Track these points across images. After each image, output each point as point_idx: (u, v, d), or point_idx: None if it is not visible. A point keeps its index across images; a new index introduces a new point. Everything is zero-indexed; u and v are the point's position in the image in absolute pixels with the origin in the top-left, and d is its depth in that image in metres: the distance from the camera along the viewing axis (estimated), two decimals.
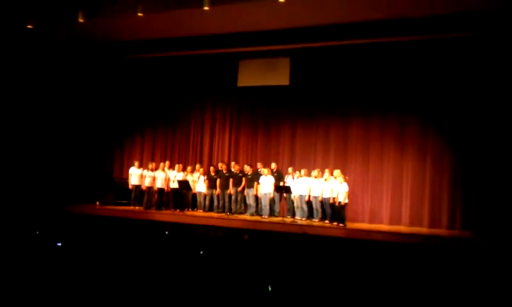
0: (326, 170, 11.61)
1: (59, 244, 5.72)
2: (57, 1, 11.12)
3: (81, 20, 11.00)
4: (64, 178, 14.02)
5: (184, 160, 14.46)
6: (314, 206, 11.62)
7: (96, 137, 14.98)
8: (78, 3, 10.95)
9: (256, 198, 12.31)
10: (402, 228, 11.41)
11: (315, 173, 11.69)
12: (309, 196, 11.64)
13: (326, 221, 11.28)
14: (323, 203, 11.40)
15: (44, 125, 13.95)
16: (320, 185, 11.46)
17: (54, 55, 13.83)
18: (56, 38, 13.21)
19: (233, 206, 12.52)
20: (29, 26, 11.55)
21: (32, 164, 13.53)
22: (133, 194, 12.97)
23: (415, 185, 11.96)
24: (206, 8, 9.96)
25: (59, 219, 9.36)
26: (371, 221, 12.20)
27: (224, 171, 12.74)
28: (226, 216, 11.99)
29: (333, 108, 13.08)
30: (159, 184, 12.84)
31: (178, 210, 12.50)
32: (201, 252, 5.67)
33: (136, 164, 13.20)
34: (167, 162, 13.42)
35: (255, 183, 12.20)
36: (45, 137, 13.92)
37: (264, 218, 11.72)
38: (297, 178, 11.96)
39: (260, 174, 12.18)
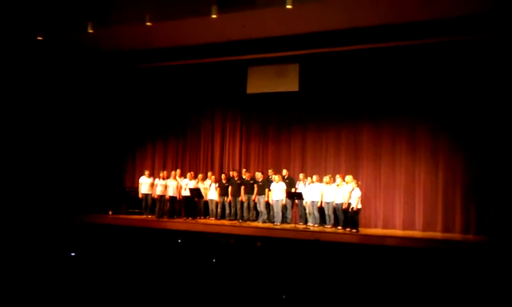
0: (338, 176, 11.55)
1: (73, 254, 5.74)
2: (67, 12, 11.23)
3: (91, 31, 11.12)
4: (77, 188, 14.13)
5: (195, 168, 14.43)
6: (327, 212, 11.55)
7: (108, 147, 15.09)
8: (87, 14, 11.05)
9: (268, 205, 12.28)
10: (415, 233, 11.29)
11: (327, 178, 11.63)
12: (321, 202, 11.59)
13: (339, 227, 11.21)
14: (336, 209, 11.34)
15: (57, 136, 14.10)
16: (333, 190, 11.41)
17: (64, 67, 14.00)
18: (66, 49, 13.33)
19: (245, 214, 12.49)
20: (39, 38, 11.67)
21: (45, 174, 13.66)
22: (143, 203, 13.04)
23: (427, 189, 11.83)
24: (214, 16, 10.02)
25: (73, 229, 9.41)
26: (384, 227, 12.08)
27: (236, 178, 12.74)
28: (238, 223, 11.97)
29: (343, 113, 13.03)
30: (171, 192, 12.87)
31: (190, 218, 12.53)
32: (214, 260, 5.66)
33: (146, 173, 13.28)
34: (178, 170, 13.46)
35: (267, 190, 12.18)
36: (58, 148, 14.06)
37: (276, 225, 11.68)
38: (309, 184, 11.91)
39: (272, 181, 12.15)
